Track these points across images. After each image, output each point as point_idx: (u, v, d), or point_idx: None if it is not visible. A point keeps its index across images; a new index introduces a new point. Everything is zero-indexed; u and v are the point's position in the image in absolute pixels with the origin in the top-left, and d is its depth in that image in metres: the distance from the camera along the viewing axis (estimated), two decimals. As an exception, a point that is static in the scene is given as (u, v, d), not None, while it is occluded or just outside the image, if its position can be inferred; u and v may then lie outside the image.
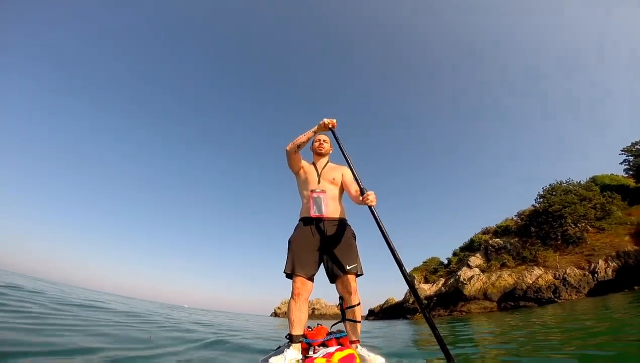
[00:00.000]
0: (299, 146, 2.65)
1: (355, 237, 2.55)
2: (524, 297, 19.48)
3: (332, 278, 2.41)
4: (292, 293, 2.30)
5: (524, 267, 21.88)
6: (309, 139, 2.66)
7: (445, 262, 33.32)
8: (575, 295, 17.61)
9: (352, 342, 2.33)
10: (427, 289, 27.96)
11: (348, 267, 2.33)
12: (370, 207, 2.27)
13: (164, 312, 8.99)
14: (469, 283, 23.20)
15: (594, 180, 27.67)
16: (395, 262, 2.10)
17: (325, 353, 2.04)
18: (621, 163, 28.05)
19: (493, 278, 22.59)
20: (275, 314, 53.77)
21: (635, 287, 14.03)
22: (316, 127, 2.67)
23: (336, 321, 2.73)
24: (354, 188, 2.55)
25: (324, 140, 2.85)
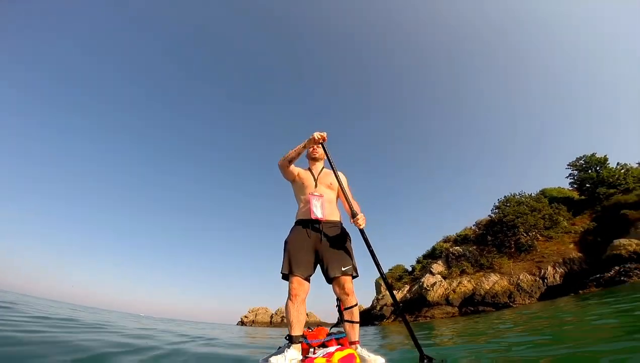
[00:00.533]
0: (290, 161, 2.72)
1: (350, 240, 2.61)
2: (482, 302, 20.52)
3: (329, 279, 2.43)
4: (290, 294, 2.31)
5: (481, 273, 23.12)
6: (299, 154, 2.73)
7: (410, 269, 34.39)
8: (528, 299, 18.86)
9: (351, 343, 2.34)
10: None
11: (344, 269, 2.37)
12: (360, 229, 2.46)
13: (107, 320, 8.33)
14: (432, 290, 24.06)
15: (543, 192, 30.01)
16: (382, 278, 2.51)
17: (325, 353, 2.06)
18: (567, 177, 30.46)
19: (454, 284, 23.62)
20: (242, 323, 52.33)
21: (580, 292, 15.29)
22: (306, 141, 2.72)
23: (335, 322, 2.76)
24: (344, 198, 2.67)
25: (317, 146, 2.90)
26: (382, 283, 31.81)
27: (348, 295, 2.35)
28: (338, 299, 2.43)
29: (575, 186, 29.62)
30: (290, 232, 2.62)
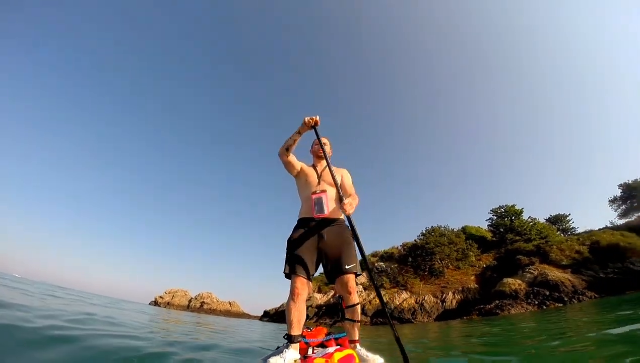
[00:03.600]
0: (287, 149, 2.68)
1: (353, 237, 2.54)
2: (390, 316, 22.50)
3: (331, 278, 2.42)
4: (291, 293, 2.27)
5: (396, 289, 25.30)
6: (295, 140, 2.67)
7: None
8: (427, 318, 21.20)
9: (351, 342, 2.35)
10: (318, 298, 29.95)
11: (347, 267, 2.35)
12: (347, 216, 2.40)
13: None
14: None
15: (464, 229, 33.62)
16: (368, 271, 2.42)
17: (324, 353, 2.05)
18: (487, 220, 34.45)
19: (371, 296, 25.55)
20: (155, 303, 50.03)
21: (465, 317, 17.83)
22: (300, 127, 2.65)
23: (334, 321, 2.94)
24: (347, 194, 2.71)
25: (324, 143, 2.84)
26: (312, 285, 33.02)
27: (350, 293, 2.33)
28: (339, 297, 2.42)
29: (491, 228, 33.55)
30: (292, 230, 2.58)
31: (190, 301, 49.88)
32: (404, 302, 23.20)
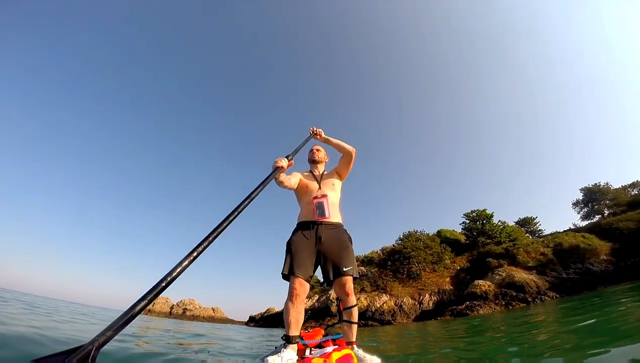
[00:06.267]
0: (280, 183, 2.61)
1: (351, 241, 2.63)
2: (372, 318, 23.61)
3: (330, 280, 2.46)
4: (290, 294, 2.30)
5: (376, 293, 26.42)
6: (280, 179, 2.57)
7: (322, 280, 37.02)
8: (406, 319, 22.41)
9: (348, 343, 2.36)
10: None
11: (345, 269, 2.40)
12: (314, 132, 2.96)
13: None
14: (335, 302, 26.64)
15: (439, 232, 35.35)
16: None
17: (322, 353, 2.07)
18: (461, 224, 36.33)
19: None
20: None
21: (439, 318, 19.18)
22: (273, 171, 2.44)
23: (332, 323, 2.90)
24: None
25: (317, 149, 3.04)
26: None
27: (348, 295, 2.38)
28: (338, 299, 2.46)
29: (464, 232, 35.37)
30: (292, 233, 2.65)
31: (172, 308, 49.18)
32: (384, 305, 24.35)
